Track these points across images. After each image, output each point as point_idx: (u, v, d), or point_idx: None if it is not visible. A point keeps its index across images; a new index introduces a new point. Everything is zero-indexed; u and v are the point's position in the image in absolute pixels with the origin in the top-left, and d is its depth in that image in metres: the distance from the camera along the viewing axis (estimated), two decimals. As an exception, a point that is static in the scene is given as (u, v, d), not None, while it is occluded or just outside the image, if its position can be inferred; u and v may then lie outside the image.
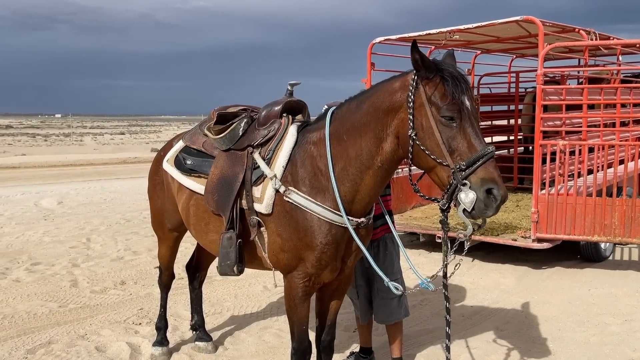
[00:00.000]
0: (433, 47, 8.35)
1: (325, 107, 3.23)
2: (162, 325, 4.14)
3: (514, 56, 10.16)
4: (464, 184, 2.38)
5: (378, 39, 7.48)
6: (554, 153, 6.08)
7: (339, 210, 2.76)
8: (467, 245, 2.67)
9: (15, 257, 6.89)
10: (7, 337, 4.39)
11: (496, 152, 2.46)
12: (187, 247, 5.94)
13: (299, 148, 2.93)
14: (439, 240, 6.60)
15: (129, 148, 31.06)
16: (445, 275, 2.82)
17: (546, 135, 6.59)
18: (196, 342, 4.23)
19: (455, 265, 2.77)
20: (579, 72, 8.57)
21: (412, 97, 2.49)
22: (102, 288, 5.73)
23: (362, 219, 2.85)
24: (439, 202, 2.60)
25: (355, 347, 4.14)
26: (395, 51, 8.00)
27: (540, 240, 5.99)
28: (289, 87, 3.34)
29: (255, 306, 5.25)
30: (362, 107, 2.72)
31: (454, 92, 2.40)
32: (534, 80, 10.37)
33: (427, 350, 4.25)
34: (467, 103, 2.43)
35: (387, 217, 3.37)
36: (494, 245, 6.65)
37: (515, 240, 6.25)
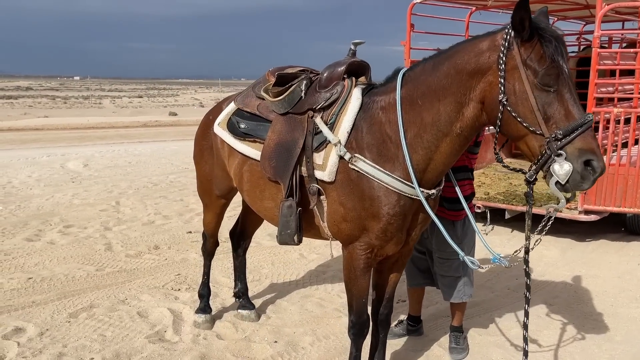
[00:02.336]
0: (474, 8, 7.96)
1: (352, 46, 3.03)
2: (205, 292, 4.05)
3: (556, 19, 9.69)
4: (559, 155, 2.18)
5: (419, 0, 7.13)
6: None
7: (410, 180, 2.58)
8: (551, 219, 2.49)
9: (47, 219, 6.86)
10: (47, 300, 4.34)
11: None
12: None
13: (364, 113, 2.73)
14: (479, 211, 6.43)
15: (147, 111, 31.01)
16: (527, 251, 2.63)
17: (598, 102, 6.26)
18: (239, 310, 4.14)
19: (536, 241, 2.59)
20: (623, 36, 8.15)
21: (504, 58, 2.27)
22: (136, 252, 5.67)
23: (433, 191, 2.68)
24: (524, 173, 2.40)
25: (403, 316, 4.03)
26: (435, 12, 7.64)
27: (587, 212, 5.75)
28: (352, 47, 3.10)
29: (294, 274, 5.14)
30: (440, 69, 2.49)
31: (554, 55, 2.19)
32: (575, 45, 9.99)
33: (477, 324, 4.11)
34: (565, 67, 2.22)
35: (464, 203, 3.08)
36: (535, 216, 6.41)
37: (561, 211, 6.01)
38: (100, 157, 12.42)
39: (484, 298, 4.62)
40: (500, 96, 2.29)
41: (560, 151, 2.19)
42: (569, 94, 2.23)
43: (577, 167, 2.19)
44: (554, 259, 5.64)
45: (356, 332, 2.96)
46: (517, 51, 2.26)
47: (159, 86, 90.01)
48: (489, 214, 6.49)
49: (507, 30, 2.30)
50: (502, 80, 2.28)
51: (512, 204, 6.41)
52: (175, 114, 27.88)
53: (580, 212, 5.80)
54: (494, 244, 6.09)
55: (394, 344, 3.74)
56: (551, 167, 2.22)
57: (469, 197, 3.34)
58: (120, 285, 4.73)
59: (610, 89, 6.24)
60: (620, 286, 4.89)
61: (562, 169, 2.19)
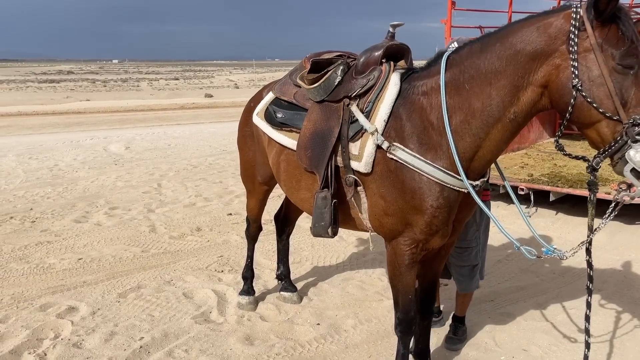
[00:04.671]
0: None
1: (390, 28, 2.88)
2: (249, 275, 4.11)
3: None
4: (637, 141, 2.07)
5: (460, -25, 6.93)
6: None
7: (455, 170, 2.45)
8: (618, 208, 2.37)
9: (93, 201, 7.07)
10: (97, 280, 4.50)
11: None
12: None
13: (403, 99, 2.60)
14: (522, 193, 6.28)
15: (183, 93, 31.39)
16: (590, 242, 2.53)
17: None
18: (281, 292, 4.19)
19: (595, 229, 2.46)
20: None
21: (575, 40, 2.13)
22: (179, 234, 5.79)
23: (478, 182, 2.54)
24: (589, 161, 2.29)
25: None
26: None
27: (638, 194, 5.54)
28: (391, 29, 2.94)
29: (334, 257, 5.16)
30: (492, 50, 2.35)
31: (632, 36, 2.05)
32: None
33: (521, 309, 4.04)
34: None
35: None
36: (579, 198, 6.24)
37: (609, 193, 5.82)
38: (141, 139, 12.69)
39: (529, 282, 4.54)
40: (575, 81, 2.14)
41: (638, 137, 2.07)
42: None
43: None
44: (601, 242, 5.47)
45: (403, 330, 2.87)
46: (591, 32, 2.11)
47: (195, 68, 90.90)
48: (532, 196, 6.34)
49: (575, 10, 2.15)
50: (575, 64, 2.14)
51: (558, 186, 6.24)
52: (211, 96, 28.15)
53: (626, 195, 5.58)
54: (538, 226, 5.95)
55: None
56: (627, 153, 2.10)
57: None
58: (166, 267, 4.85)
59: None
60: (673, 271, 4.72)
61: (638, 154, 2.07)
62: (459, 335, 3.59)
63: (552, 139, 8.54)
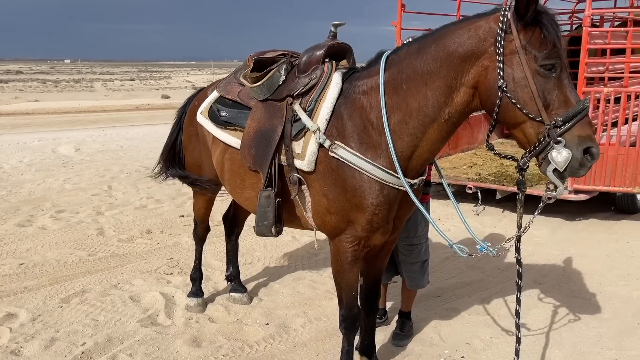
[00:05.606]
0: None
1: (332, 28, 2.92)
2: (197, 276, 4.07)
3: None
4: (559, 142, 2.15)
5: (410, -22, 7.05)
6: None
7: (393, 169, 2.50)
8: (541, 206, 2.46)
9: (38, 204, 6.83)
10: (39, 286, 4.35)
11: None
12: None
13: (345, 98, 2.64)
14: (470, 191, 6.45)
15: (139, 94, 30.70)
16: (519, 239, 2.62)
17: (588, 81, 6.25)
18: (231, 293, 4.17)
19: (524, 228, 2.55)
20: (615, 15, 8.10)
21: (501, 42, 2.19)
22: (129, 237, 5.67)
23: (416, 180, 2.59)
24: (517, 160, 2.37)
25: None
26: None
27: (577, 191, 5.79)
28: (332, 29, 2.97)
29: (286, 257, 5.17)
30: (427, 52, 2.40)
31: (554, 39, 2.13)
32: (567, 24, 9.93)
33: (466, 304, 4.15)
34: (563, 52, 2.18)
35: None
36: (526, 196, 6.44)
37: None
38: (92, 141, 12.35)
39: (474, 278, 4.67)
40: (500, 82, 2.20)
41: (559, 138, 2.15)
42: (567, 79, 2.19)
43: (576, 155, 2.15)
44: (543, 238, 5.69)
45: (347, 326, 2.91)
46: (516, 35, 2.17)
47: (151, 69, 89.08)
48: (480, 195, 6.52)
49: (503, 13, 2.21)
50: (501, 65, 2.19)
51: (503, 184, 6.44)
52: (168, 97, 27.65)
53: (570, 192, 5.84)
54: (485, 224, 6.15)
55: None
56: (549, 154, 2.17)
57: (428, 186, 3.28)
58: (113, 270, 4.74)
59: (601, 68, 6.23)
60: (609, 264, 4.95)
61: (560, 156, 2.14)
62: (405, 331, 3.66)
63: (500, 140, 8.84)
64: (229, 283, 4.24)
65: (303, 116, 2.69)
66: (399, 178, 2.51)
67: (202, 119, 3.29)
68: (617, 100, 5.91)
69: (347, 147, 2.56)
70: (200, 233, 4.08)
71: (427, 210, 3.53)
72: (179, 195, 7.43)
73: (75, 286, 4.35)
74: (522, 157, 2.33)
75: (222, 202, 5.51)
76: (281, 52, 3.11)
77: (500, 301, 4.19)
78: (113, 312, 3.92)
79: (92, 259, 4.99)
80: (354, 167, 2.55)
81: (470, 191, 6.45)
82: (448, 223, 6.02)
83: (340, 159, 2.57)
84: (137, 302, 4.11)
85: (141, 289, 4.33)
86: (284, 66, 2.91)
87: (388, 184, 2.54)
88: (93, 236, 5.65)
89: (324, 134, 2.61)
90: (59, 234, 5.69)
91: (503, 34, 2.20)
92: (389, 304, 4.00)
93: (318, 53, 2.80)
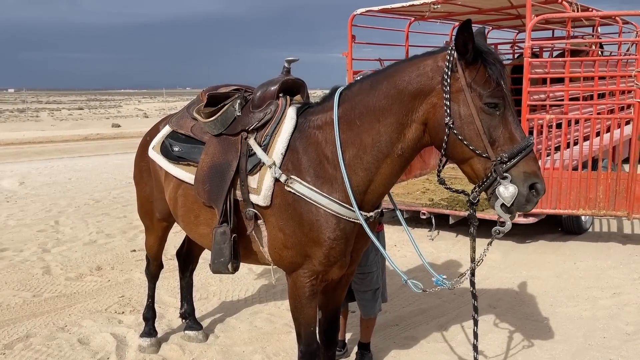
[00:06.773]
0: (413, 18, 8.16)
1: (286, 64, 2.97)
2: (150, 315, 3.93)
3: (490, 28, 10.06)
4: (505, 178, 2.21)
5: (359, 10, 7.23)
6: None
7: (349, 202, 2.51)
8: (491, 242, 2.52)
9: (-21, 243, 6.48)
10: (-21, 332, 4.09)
11: None
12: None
13: (299, 133, 2.65)
14: (424, 217, 6.56)
15: (88, 124, 29.88)
16: (473, 273, 2.67)
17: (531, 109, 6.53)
18: (186, 331, 4.04)
19: (478, 261, 2.61)
20: (553, 45, 8.54)
21: (448, 80, 2.25)
22: (77, 275, 5.44)
23: (371, 214, 2.60)
24: (468, 195, 2.43)
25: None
26: (375, 23, 7.78)
27: (526, 215, 5.98)
28: (286, 64, 3.00)
29: (242, 290, 5.07)
30: (379, 88, 2.45)
31: (498, 78, 2.20)
32: (510, 53, 10.40)
33: (424, 331, 4.18)
34: (507, 90, 2.25)
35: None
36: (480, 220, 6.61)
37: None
38: (38, 174, 11.89)
39: (431, 304, 4.71)
40: (447, 119, 2.26)
41: (505, 174, 2.21)
42: (512, 116, 2.26)
43: (522, 191, 2.20)
44: (496, 261, 5.83)
45: None
46: (462, 73, 2.24)
47: (101, 97, 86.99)
48: (434, 220, 6.64)
49: (449, 52, 2.28)
50: (448, 103, 2.25)
51: (456, 209, 6.59)
52: (119, 126, 27.03)
53: (519, 215, 6.01)
54: (440, 249, 6.24)
55: None
56: (496, 189, 2.22)
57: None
58: (60, 311, 4.52)
59: (542, 96, 6.53)
60: (559, 286, 5.11)
61: (507, 191, 2.20)
62: None
63: (451, 165, 9.09)
64: (183, 320, 4.12)
65: (258, 151, 2.69)
66: (354, 212, 2.52)
67: (154, 154, 3.22)
68: (559, 126, 6.19)
69: (303, 182, 2.56)
70: (153, 271, 3.95)
71: (383, 238, 3.57)
72: (131, 229, 7.22)
73: (18, 331, 4.12)
74: (472, 192, 2.38)
75: (175, 235, 5.39)
76: (235, 87, 3.11)
77: (457, 327, 4.23)
78: (60, 357, 3.73)
79: (38, 300, 4.75)
80: (311, 201, 2.54)
81: (424, 217, 6.56)
82: (404, 249, 6.08)
83: (297, 193, 2.56)
84: (86, 345, 3.92)
85: (90, 331, 4.13)
86: (238, 101, 2.91)
87: (344, 217, 2.55)
88: (38, 275, 5.39)
89: (280, 168, 2.60)
90: (0, 275, 5.39)
91: (450, 72, 2.26)
92: (348, 335, 3.97)
93: (272, 88, 2.82)
